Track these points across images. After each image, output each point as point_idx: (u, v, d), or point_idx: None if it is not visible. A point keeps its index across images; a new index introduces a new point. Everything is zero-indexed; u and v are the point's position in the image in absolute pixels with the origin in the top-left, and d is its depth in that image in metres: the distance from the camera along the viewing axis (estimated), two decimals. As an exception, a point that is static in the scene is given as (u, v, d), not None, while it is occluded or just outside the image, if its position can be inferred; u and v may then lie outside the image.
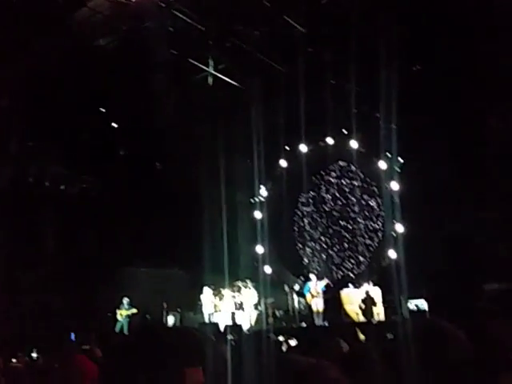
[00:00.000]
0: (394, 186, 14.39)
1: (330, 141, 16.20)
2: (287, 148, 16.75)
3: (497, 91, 11.69)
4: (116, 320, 14.31)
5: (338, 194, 16.97)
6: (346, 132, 15.56)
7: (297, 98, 13.35)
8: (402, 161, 14.23)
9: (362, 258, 16.08)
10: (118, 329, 14.25)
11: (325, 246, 16.78)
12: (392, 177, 14.49)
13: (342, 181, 16.96)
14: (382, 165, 14.93)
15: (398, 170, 14.33)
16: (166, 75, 12.94)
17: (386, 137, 13.20)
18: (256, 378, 2.03)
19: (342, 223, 16.66)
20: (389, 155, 14.27)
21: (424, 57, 12.91)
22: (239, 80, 14.85)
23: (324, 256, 16.65)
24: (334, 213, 16.89)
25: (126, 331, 14.23)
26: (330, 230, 16.81)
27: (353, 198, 16.62)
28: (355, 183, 16.61)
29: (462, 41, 11.92)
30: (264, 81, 13.93)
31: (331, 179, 17.18)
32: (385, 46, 11.12)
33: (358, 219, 16.34)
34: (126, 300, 14.44)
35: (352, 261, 16.26)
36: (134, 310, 14.28)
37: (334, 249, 16.61)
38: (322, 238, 16.89)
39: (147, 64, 12.56)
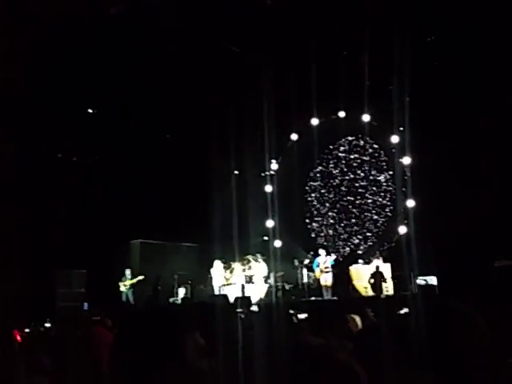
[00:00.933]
0: (406, 160, 14.23)
1: (341, 114, 15.99)
2: (298, 121, 16.58)
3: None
4: (120, 292, 14.56)
5: (346, 169, 16.87)
6: (358, 105, 15.33)
7: (308, 70, 13.13)
8: (414, 134, 14.02)
9: (368, 234, 16.06)
10: (123, 299, 14.51)
11: (332, 222, 16.78)
12: (404, 151, 14.32)
13: (351, 155, 16.83)
14: (395, 139, 14.75)
15: (410, 144, 14.14)
16: (176, 46, 12.76)
17: (399, 110, 13.00)
18: (266, 355, 2.02)
19: (349, 198, 16.60)
20: (401, 129, 14.07)
21: (438, 27, 12.57)
22: (250, 51, 14.61)
23: (331, 231, 16.68)
24: (342, 188, 16.83)
25: (131, 301, 14.47)
26: (338, 205, 16.79)
27: (361, 173, 16.52)
28: (364, 158, 16.48)
29: (478, 9, 11.58)
30: (275, 52, 13.69)
31: (339, 154, 17.05)
32: (399, 16, 10.82)
33: (366, 194, 16.28)
34: (128, 271, 14.66)
35: (359, 236, 16.26)
36: (141, 277, 14.45)
37: (341, 224, 16.60)
38: (330, 213, 16.86)
39: (157, 34, 12.37)
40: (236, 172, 17.11)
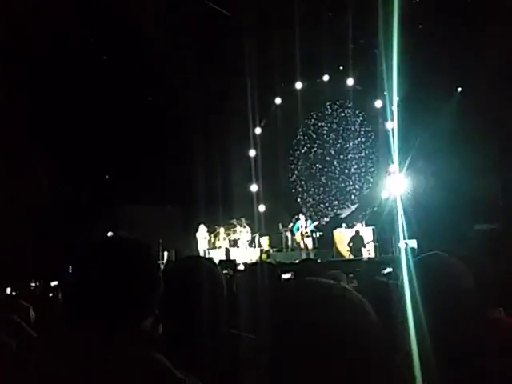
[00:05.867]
0: (389, 125, 14.24)
1: (325, 78, 15.87)
2: (282, 85, 16.42)
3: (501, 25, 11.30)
4: None
5: (314, 136, 17.01)
6: (342, 68, 15.21)
7: (292, 32, 12.92)
8: (398, 99, 13.98)
9: (335, 202, 16.46)
10: None
11: (300, 189, 17.09)
12: (387, 116, 14.31)
13: (320, 123, 16.94)
14: (378, 103, 14.72)
15: (394, 109, 14.13)
16: (159, 6, 12.39)
17: (384, 74, 12.92)
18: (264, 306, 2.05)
19: (317, 166, 16.82)
20: (385, 93, 14.01)
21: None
22: (233, 12, 14.28)
23: (299, 198, 16.99)
24: (310, 156, 16.99)
25: None
26: (306, 173, 17.06)
27: (330, 141, 16.68)
28: (333, 126, 16.73)
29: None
30: (258, 14, 13.40)
31: (309, 122, 17.06)
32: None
33: (334, 162, 16.45)
34: (109, 234, 14.53)
35: (327, 204, 16.59)
36: None
37: (310, 192, 16.91)
38: (298, 181, 17.12)
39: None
40: (220, 136, 16.99)
